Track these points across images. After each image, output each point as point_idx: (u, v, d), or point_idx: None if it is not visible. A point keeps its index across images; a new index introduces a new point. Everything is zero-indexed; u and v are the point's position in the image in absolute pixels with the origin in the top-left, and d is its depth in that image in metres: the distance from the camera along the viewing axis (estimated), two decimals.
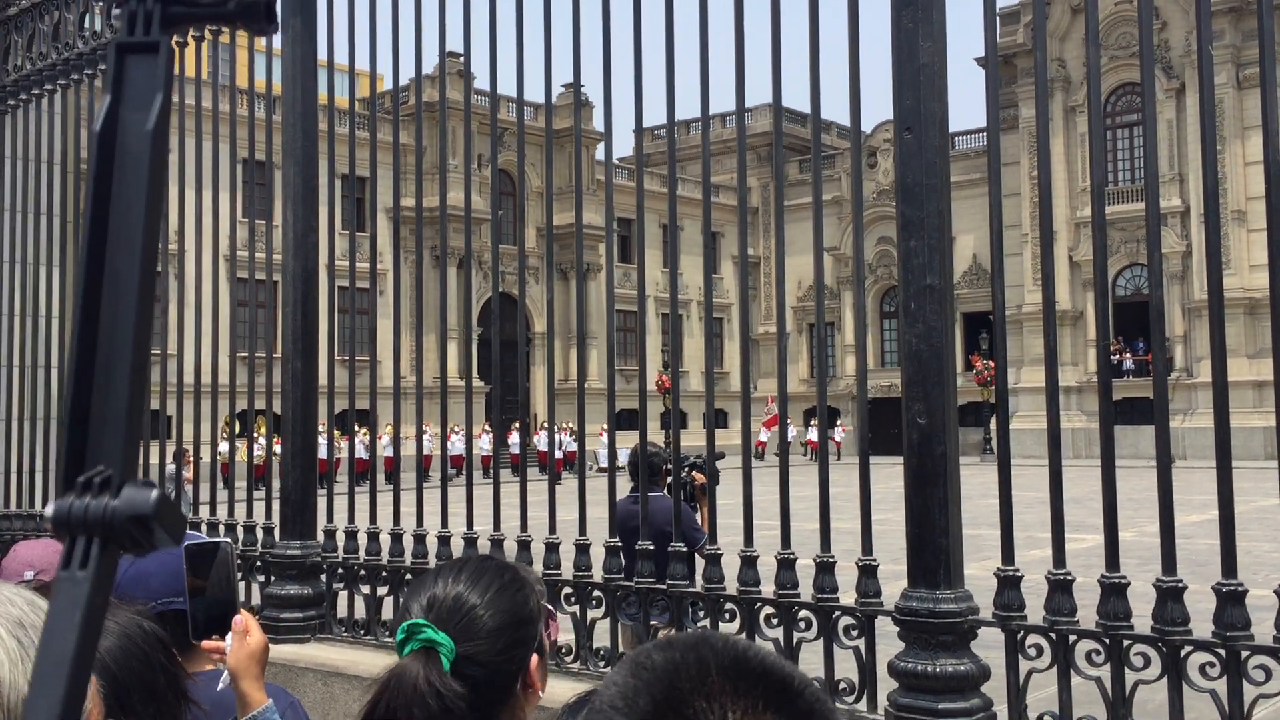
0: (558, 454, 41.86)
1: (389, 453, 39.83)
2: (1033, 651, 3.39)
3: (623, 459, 6.38)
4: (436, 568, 1.70)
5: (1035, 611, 3.48)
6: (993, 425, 45.45)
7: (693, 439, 47.65)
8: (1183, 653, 3.19)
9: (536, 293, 47.79)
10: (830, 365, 60.33)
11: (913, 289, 3.43)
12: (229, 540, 1.82)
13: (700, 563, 6.46)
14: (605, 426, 4.40)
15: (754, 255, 63.00)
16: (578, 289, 4.23)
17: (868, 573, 3.73)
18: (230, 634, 2.04)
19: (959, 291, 54.66)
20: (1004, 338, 3.41)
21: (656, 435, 42.50)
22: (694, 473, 6.14)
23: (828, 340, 60.20)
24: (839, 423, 52.94)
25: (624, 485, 6.26)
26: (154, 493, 0.54)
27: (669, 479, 6.29)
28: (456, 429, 37.68)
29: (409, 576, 5.13)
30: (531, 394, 51.78)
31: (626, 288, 50.38)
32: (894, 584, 3.83)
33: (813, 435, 48.92)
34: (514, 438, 39.92)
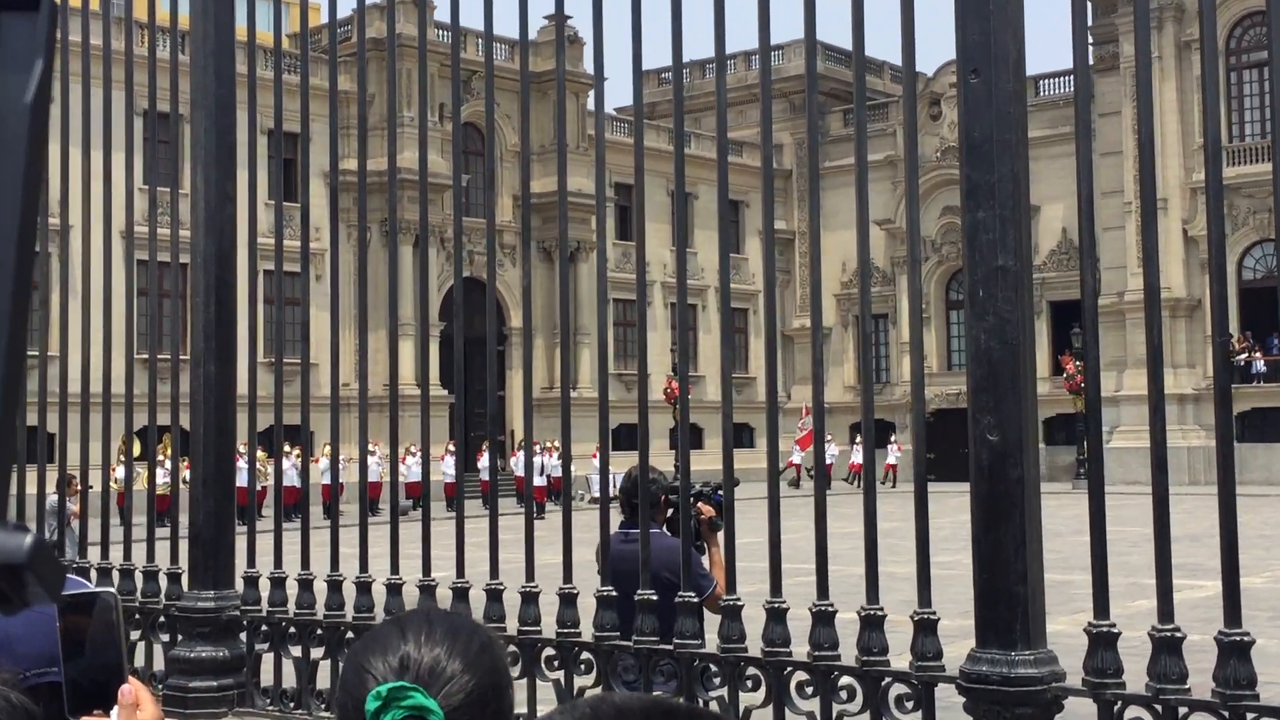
0: (539, 481, 42.26)
1: (326, 480, 39.64)
2: None
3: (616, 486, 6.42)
4: (396, 621, 1.71)
5: (1137, 677, 3.49)
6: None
7: (708, 461, 47.33)
8: None
9: (512, 278, 47.87)
10: (881, 368, 60.51)
11: (981, 271, 3.45)
12: (112, 590, 1.83)
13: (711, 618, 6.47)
14: (598, 446, 4.42)
15: (785, 230, 63.08)
16: (563, 273, 4.26)
17: (925, 629, 3.75)
18: (115, 709, 2.04)
19: (1043, 275, 54.78)
20: (1095, 331, 3.43)
21: (664, 458, 42.38)
22: (699, 504, 6.17)
23: (879, 336, 60.35)
24: (893, 440, 53.14)
25: (615, 519, 6.30)
26: (27, 538, 0.54)
27: (668, 511, 6.33)
28: (412, 450, 37.65)
29: (350, 635, 5.15)
30: (506, 406, 51.91)
31: (625, 271, 50.45)
32: (961, 643, 3.84)
33: (859, 457, 49.11)
34: (484, 460, 39.94)
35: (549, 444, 41.46)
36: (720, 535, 4.61)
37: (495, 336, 4.62)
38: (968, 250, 3.39)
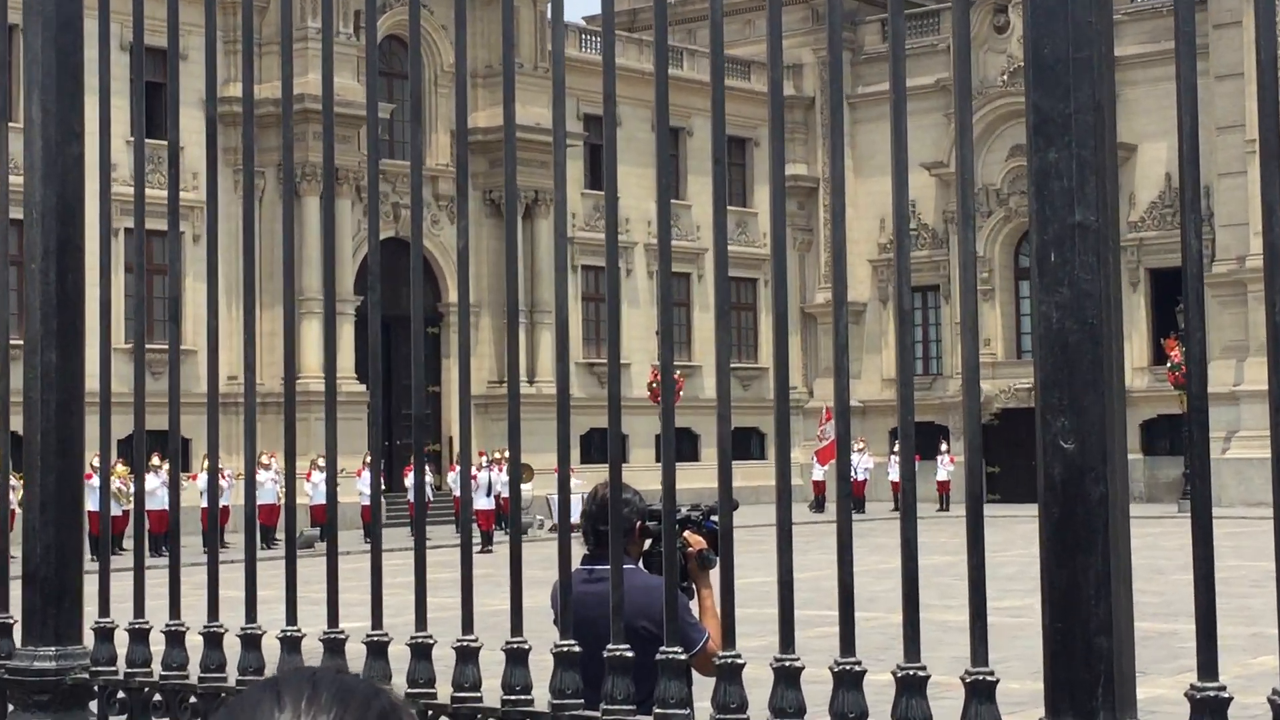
0: (483, 503, 42.46)
1: (205, 503, 39.65)
2: None
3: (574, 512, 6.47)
4: (272, 684, 1.71)
5: None
6: None
7: (704, 477, 47.03)
8: None
9: (449, 238, 47.87)
10: (930, 355, 60.68)
11: (1052, 229, 3.46)
12: None
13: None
14: (558, 458, 4.42)
15: (806, 176, 63.22)
16: (510, 232, 4.26)
17: (980, 693, 3.76)
18: None
19: (1140, 235, 55.06)
20: (1201, 308, 3.45)
21: (649, 473, 42.29)
22: (687, 533, 6.16)
23: (927, 315, 60.50)
24: (945, 450, 53.26)
25: (579, 553, 6.33)
26: None
27: (646, 542, 6.32)
28: (318, 463, 37.60)
29: None
30: (442, 405, 51.92)
31: (596, 230, 50.50)
32: (1030, 712, 3.86)
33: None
34: (410, 477, 40.14)
35: (497, 454, 41.56)
36: (714, 574, 4.62)
37: (421, 314, 4.62)
38: (1035, 202, 3.40)
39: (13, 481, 7.20)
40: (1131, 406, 53.70)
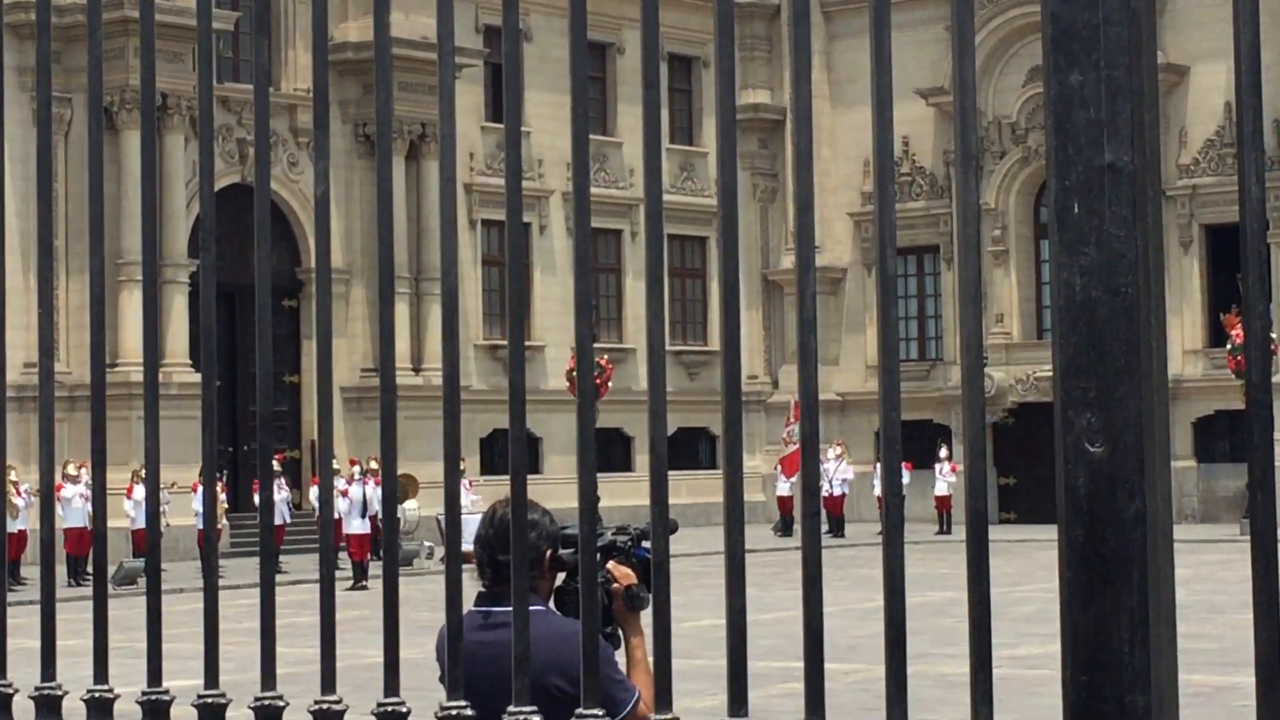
0: (355, 526, 42.26)
1: None
2: None
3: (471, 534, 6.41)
4: None
5: None
6: None
7: (639, 491, 46.92)
8: None
9: (308, 184, 47.54)
10: (928, 335, 60.82)
11: (1076, 174, 3.46)
12: None
13: None
14: (446, 468, 4.39)
15: (768, 106, 63.18)
16: (381, 176, 4.24)
17: None
18: None
19: (1193, 181, 55.37)
20: (1264, 275, 3.46)
21: (564, 486, 41.77)
22: (611, 564, 6.15)
23: (923, 283, 60.61)
24: (944, 455, 53.38)
25: (472, 591, 6.29)
26: None
27: (558, 577, 6.30)
28: (140, 475, 37.36)
29: None
30: (300, 400, 51.56)
31: (497, 174, 50.11)
32: None
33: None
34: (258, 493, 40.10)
35: (373, 464, 41.39)
36: (647, 616, 4.60)
37: (269, 282, 4.59)
38: (1054, 138, 3.40)
39: None
40: (1181, 400, 54.09)
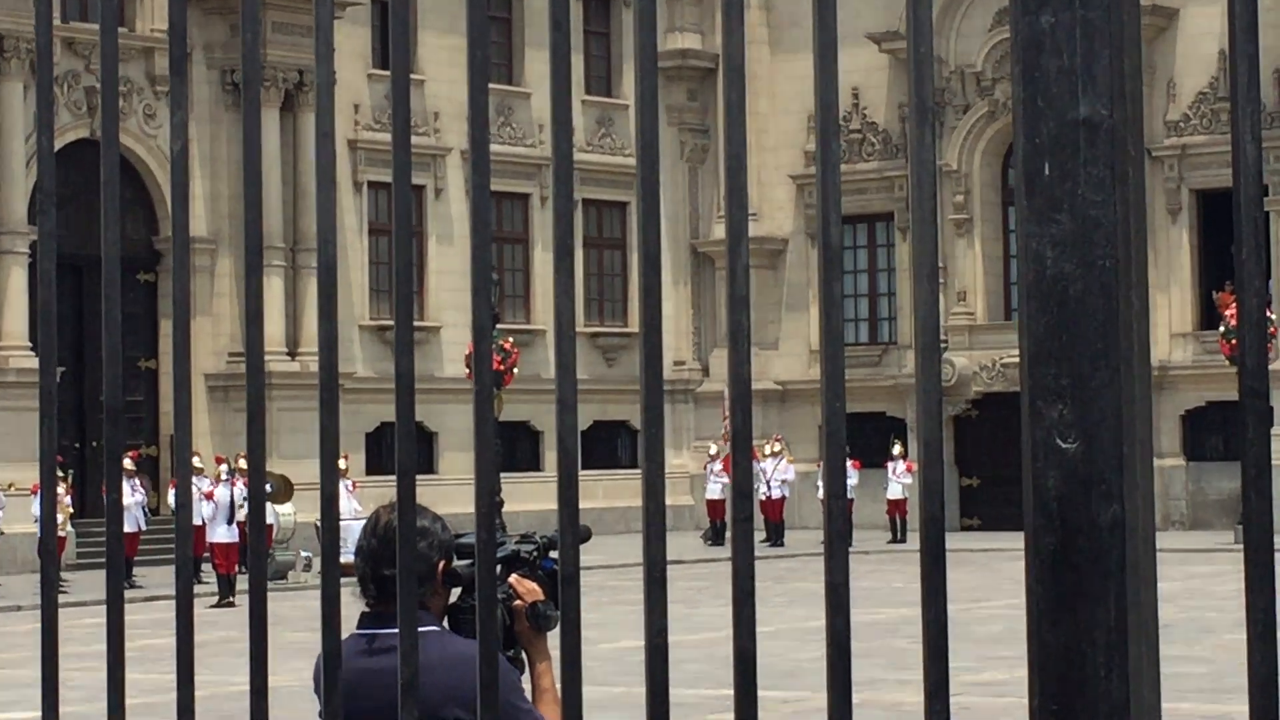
0: (222, 534, 42.04)
1: None
2: None
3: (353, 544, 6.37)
4: None
5: None
6: None
7: (547, 494, 46.09)
8: None
9: (163, 139, 47.29)
10: (879, 316, 61.03)
11: (1046, 130, 3.47)
12: None
13: None
14: (330, 466, 4.37)
15: (699, 52, 63.24)
16: (248, 130, 4.21)
17: None
18: None
19: (1183, 141, 55.68)
20: (1261, 246, 3.48)
21: (464, 488, 41.77)
22: (514, 579, 6.15)
23: (874, 256, 60.82)
24: (898, 453, 53.47)
25: (353, 609, 6.27)
26: None
27: (451, 593, 6.30)
28: None
29: None
30: (158, 389, 51.25)
31: (387, 129, 49.55)
32: None
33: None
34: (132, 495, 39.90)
35: (242, 462, 41.18)
36: (555, 637, 4.59)
37: (118, 252, 4.55)
38: (1022, 89, 3.41)
39: None
40: (1169, 389, 54.39)
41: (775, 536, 50.82)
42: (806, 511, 54.35)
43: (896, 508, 52.63)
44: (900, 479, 52.52)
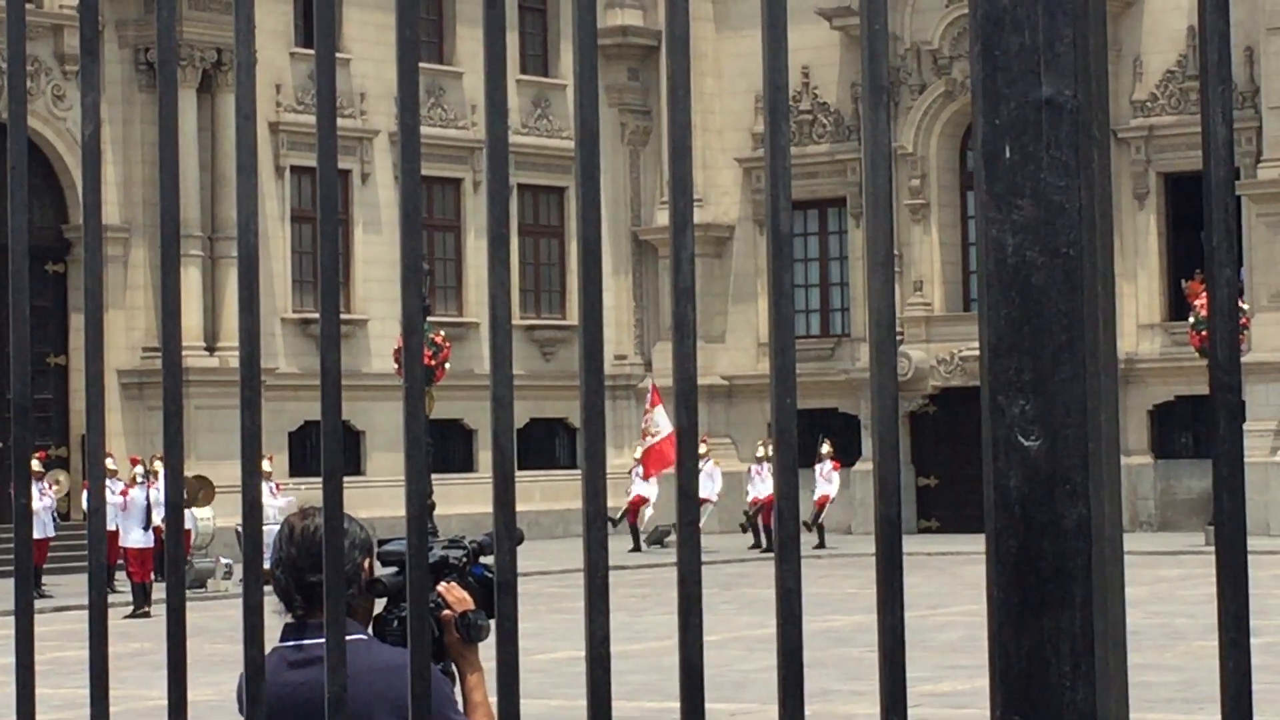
0: (136, 538, 41.85)
1: None
2: None
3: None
4: None
5: None
6: None
7: (481, 495, 46.14)
8: None
9: (74, 122, 47.15)
10: (831, 306, 61.15)
11: (1006, 111, 3.48)
12: None
13: None
14: (252, 467, 4.37)
15: (640, 29, 63.27)
16: (164, 113, 4.21)
17: None
18: None
19: (1150, 122, 55.89)
20: (1230, 233, 3.50)
21: (392, 489, 41.44)
22: (441, 588, 6.16)
23: (829, 243, 60.93)
24: (824, 451, 53.40)
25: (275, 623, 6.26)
26: None
27: (377, 602, 6.30)
28: None
29: None
30: (69, 386, 51.07)
31: (306, 112, 49.65)
32: None
33: (766, 488, 49.61)
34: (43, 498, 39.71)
35: (158, 464, 41.10)
36: (487, 648, 4.59)
37: (25, 241, 4.55)
38: (981, 67, 3.42)
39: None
40: (1136, 383, 54.63)
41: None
42: (730, 516, 54.49)
43: (822, 506, 52.62)
44: (828, 479, 52.49)
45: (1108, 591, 3.53)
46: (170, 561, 4.56)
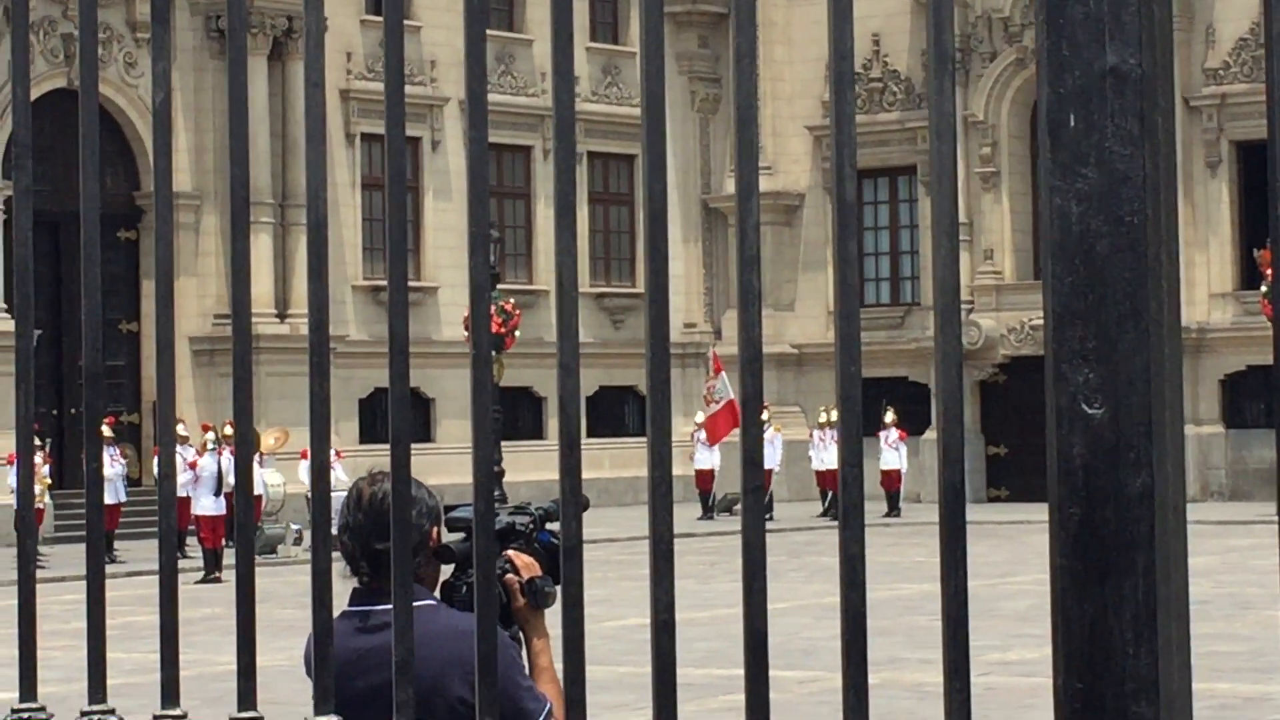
0: (208, 505, 41.88)
1: None
2: None
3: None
4: None
5: None
6: None
7: (550, 463, 45.96)
8: None
9: (146, 89, 47.21)
10: (901, 275, 60.95)
11: (1071, 79, 3.47)
12: None
13: None
14: (322, 433, 4.38)
15: None
16: (233, 81, 4.23)
17: None
18: None
19: (1223, 91, 55.55)
20: None
21: (462, 456, 41.71)
22: (511, 552, 6.13)
23: (899, 211, 60.75)
24: (888, 420, 53.07)
25: (344, 587, 6.25)
26: None
27: (446, 568, 6.27)
28: None
29: None
30: (141, 353, 51.18)
31: (376, 79, 49.59)
32: None
33: (830, 455, 49.37)
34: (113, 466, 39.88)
35: (229, 430, 41.18)
36: (553, 614, 4.59)
37: (97, 208, 4.57)
38: (1046, 35, 3.41)
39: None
40: (1206, 353, 54.27)
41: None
42: (797, 484, 54.45)
43: (891, 480, 52.40)
44: (894, 447, 52.22)
45: (1170, 560, 3.52)
46: (239, 528, 4.59)
